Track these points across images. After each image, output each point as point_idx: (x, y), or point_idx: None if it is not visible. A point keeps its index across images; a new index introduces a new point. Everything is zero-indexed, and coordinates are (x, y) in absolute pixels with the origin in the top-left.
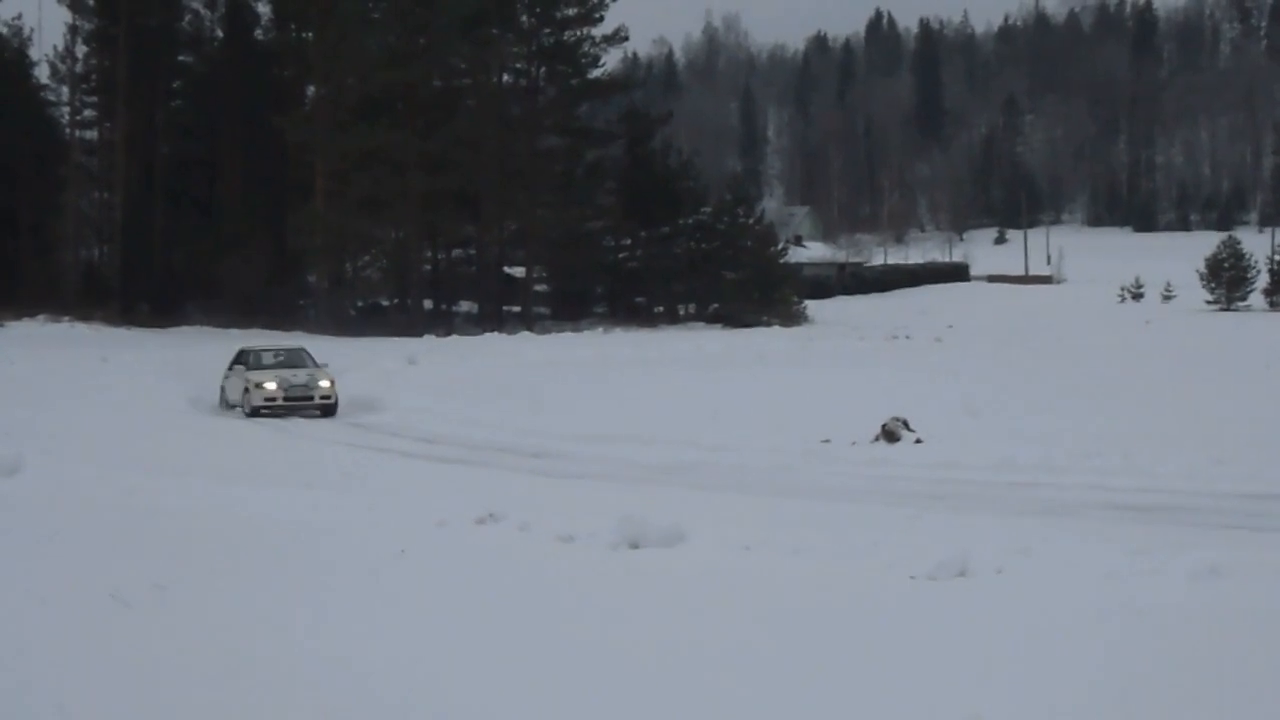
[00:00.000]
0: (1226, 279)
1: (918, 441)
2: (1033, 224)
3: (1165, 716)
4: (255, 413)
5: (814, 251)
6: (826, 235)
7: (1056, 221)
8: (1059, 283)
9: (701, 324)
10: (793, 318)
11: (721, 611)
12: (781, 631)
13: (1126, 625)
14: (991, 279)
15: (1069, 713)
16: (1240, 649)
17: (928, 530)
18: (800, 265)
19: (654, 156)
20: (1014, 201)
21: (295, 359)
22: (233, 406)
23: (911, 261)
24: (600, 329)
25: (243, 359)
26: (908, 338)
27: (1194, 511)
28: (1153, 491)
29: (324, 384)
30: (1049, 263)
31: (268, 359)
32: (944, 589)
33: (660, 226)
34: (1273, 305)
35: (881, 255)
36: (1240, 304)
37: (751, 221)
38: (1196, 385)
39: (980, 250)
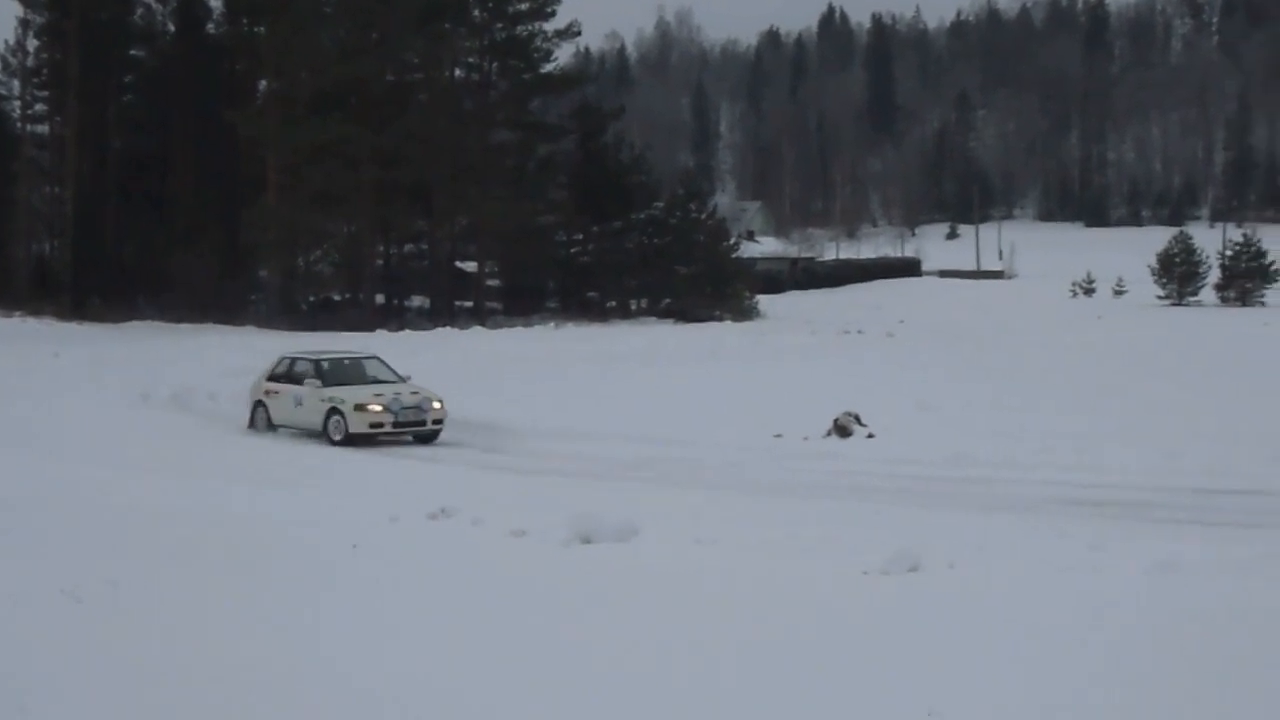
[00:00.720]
0: (1178, 274)
1: (870, 436)
2: (985, 219)
3: (1118, 708)
4: (351, 441)
5: (766, 246)
6: (779, 230)
7: (1008, 217)
8: (1011, 278)
9: (654, 319)
10: (745, 313)
11: (673, 607)
12: (734, 627)
13: (1080, 619)
14: (943, 274)
15: (1023, 707)
16: (1193, 642)
17: (880, 525)
18: (752, 260)
19: (606, 151)
20: (966, 197)
21: (373, 370)
22: (275, 427)
23: (864, 256)
24: (552, 324)
25: (301, 369)
26: (860, 333)
27: (1148, 506)
28: (1107, 487)
29: (436, 405)
30: (1001, 258)
31: (342, 370)
32: (897, 584)
33: (612, 221)
34: (1224, 300)
35: (834, 250)
36: (1192, 299)
37: (704, 216)
38: (1149, 381)
39: (932, 245)
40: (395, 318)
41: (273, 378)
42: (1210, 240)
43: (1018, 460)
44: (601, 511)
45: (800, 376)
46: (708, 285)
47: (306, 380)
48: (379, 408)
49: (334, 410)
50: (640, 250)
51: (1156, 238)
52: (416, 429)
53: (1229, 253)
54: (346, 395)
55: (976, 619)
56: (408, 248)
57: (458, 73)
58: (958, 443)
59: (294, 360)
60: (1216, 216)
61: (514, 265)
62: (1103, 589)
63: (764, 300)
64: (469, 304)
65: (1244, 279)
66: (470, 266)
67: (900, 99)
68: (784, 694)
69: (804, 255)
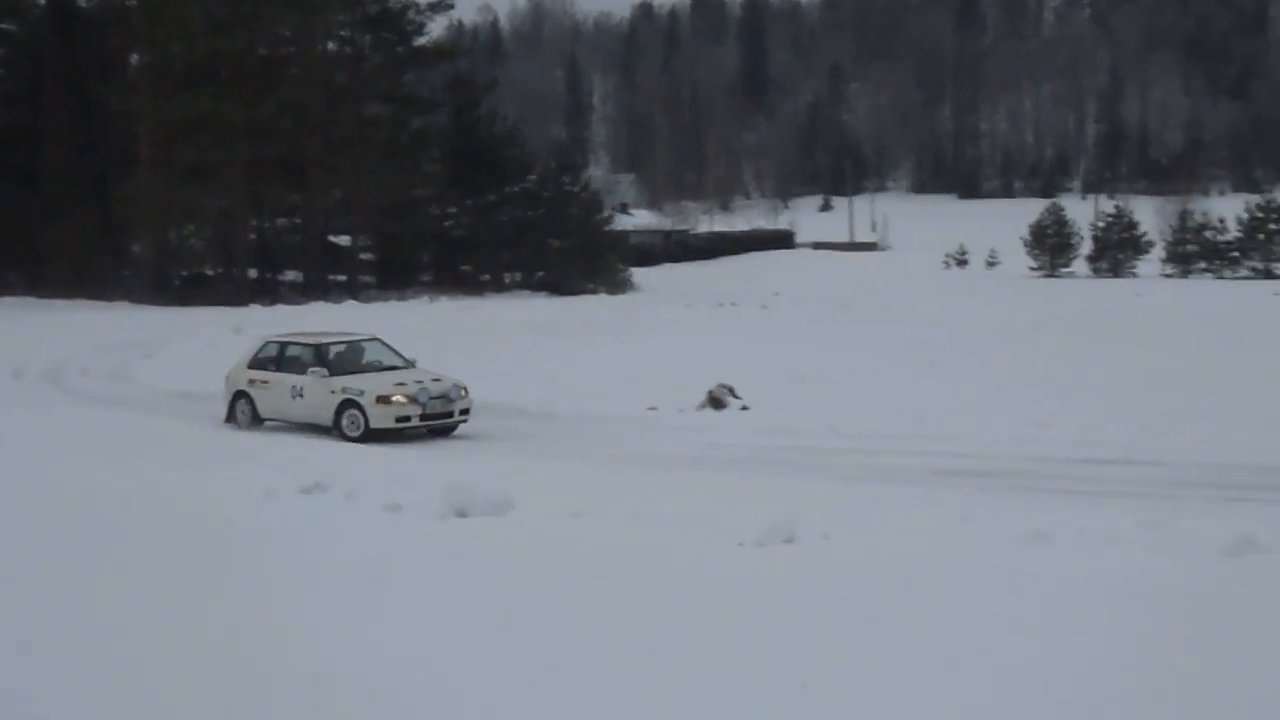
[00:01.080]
0: (1050, 246)
1: (744, 408)
2: (858, 191)
3: (989, 676)
4: (370, 437)
5: (640, 219)
6: (652, 203)
7: (882, 189)
8: (884, 249)
9: (528, 292)
10: (619, 285)
11: (550, 579)
12: (608, 600)
13: (953, 590)
14: (817, 246)
15: (894, 678)
16: (1064, 609)
17: (755, 497)
18: (626, 233)
19: (479, 124)
20: (839, 169)
21: (376, 353)
22: (262, 421)
23: (738, 229)
24: (426, 298)
25: (297, 355)
26: (734, 305)
27: (1022, 476)
28: (980, 457)
29: (464, 392)
30: (874, 230)
31: (348, 355)
32: (772, 556)
33: (486, 194)
34: (1096, 272)
35: (708, 223)
36: (1064, 270)
37: (577, 189)
38: (1020, 351)
39: (806, 217)
40: (268, 292)
41: (257, 364)
42: (1082, 212)
43: (891, 431)
44: (477, 484)
45: (675, 349)
46: (581, 258)
47: (310, 369)
48: (404, 399)
49: (349, 403)
50: (514, 223)
51: (1029, 209)
52: (444, 421)
53: (1101, 224)
54: (364, 385)
55: (851, 590)
56: (281, 222)
57: (330, 46)
58: (832, 414)
59: (284, 345)
60: (1088, 188)
61: (387, 239)
62: (975, 559)
63: (638, 273)
64: (342, 278)
65: (1116, 250)
66: (344, 240)
67: (773, 71)
68: (658, 668)
69: (678, 228)
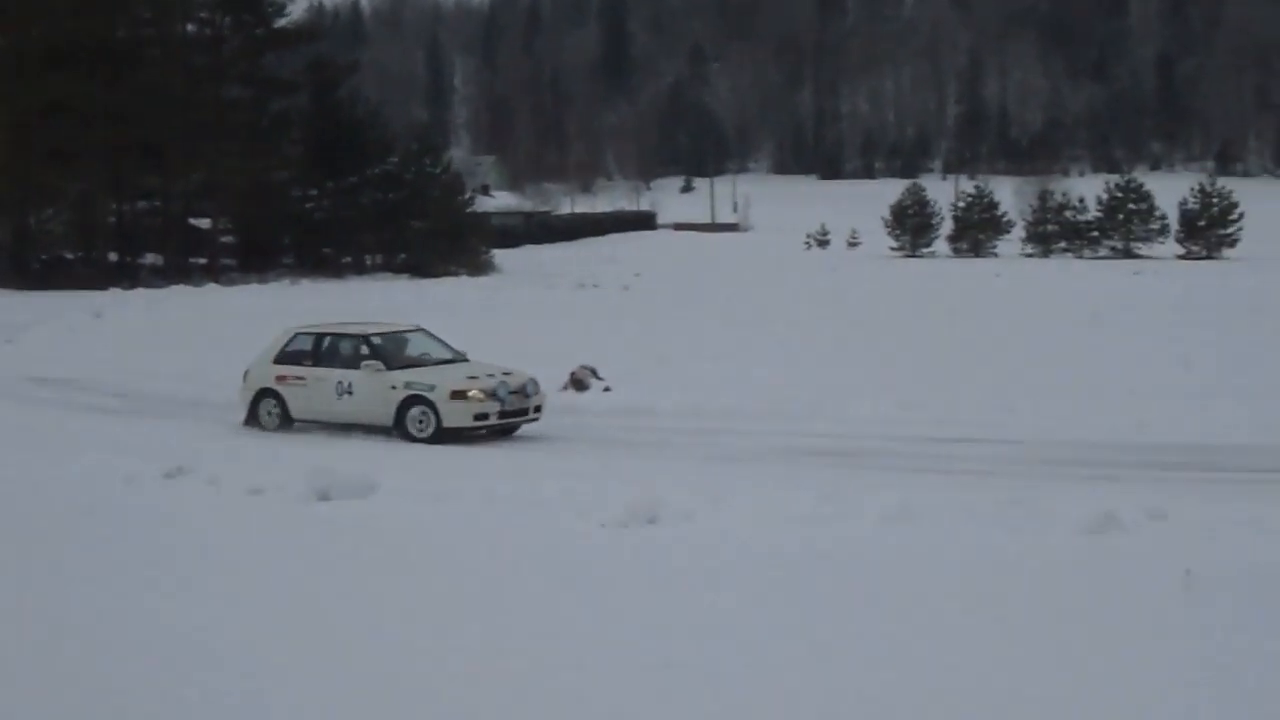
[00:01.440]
0: (911, 226)
1: (606, 389)
2: (719, 172)
3: (852, 653)
4: (441, 437)
5: (501, 201)
6: (514, 184)
7: (743, 170)
8: (745, 230)
9: (389, 274)
10: (481, 267)
11: (414, 562)
12: (471, 583)
13: (815, 569)
14: (678, 227)
15: (758, 656)
16: (924, 585)
17: (617, 478)
18: (488, 214)
19: (340, 106)
20: (701, 150)
21: (424, 345)
22: (292, 422)
23: (600, 210)
24: (287, 280)
25: (338, 348)
26: (596, 286)
27: (884, 455)
28: (843, 437)
29: (539, 388)
30: (735, 211)
31: (400, 348)
32: (635, 536)
33: (347, 177)
34: (957, 252)
35: (569, 204)
36: (925, 250)
37: (438, 171)
38: (882, 331)
39: (667, 199)
40: (128, 276)
41: (286, 359)
42: (943, 192)
43: (753, 411)
44: (339, 467)
45: (537, 330)
46: (443, 240)
47: (364, 363)
48: (481, 394)
49: (415, 400)
50: (375, 206)
51: (890, 190)
52: (520, 420)
53: (961, 204)
54: (434, 379)
55: (714, 570)
56: (141, 205)
57: (190, 28)
58: (695, 394)
59: (321, 336)
60: (949, 169)
61: (248, 222)
62: (838, 538)
63: (500, 254)
64: (203, 261)
65: (976, 230)
66: (204, 223)
67: (634, 52)
68: (521, 653)
69: (539, 209)
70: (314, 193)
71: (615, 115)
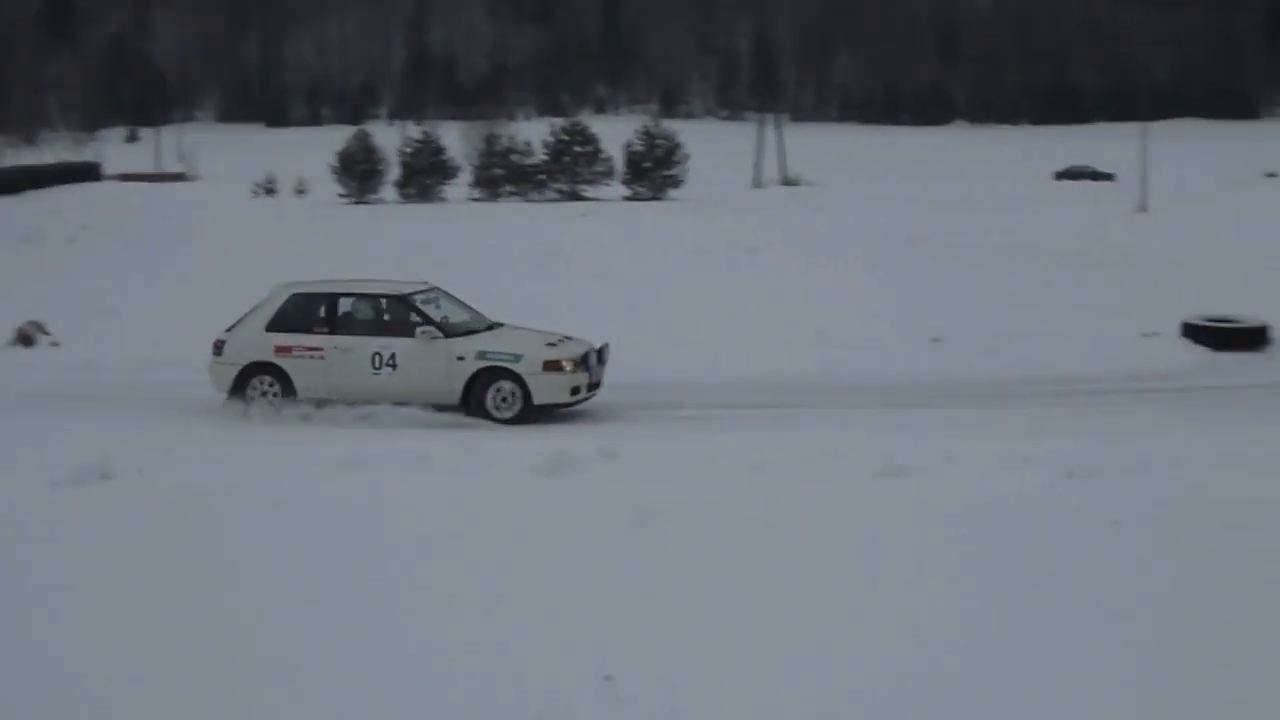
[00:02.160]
0: (359, 173)
1: (54, 344)
2: (165, 122)
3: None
4: (527, 416)
5: None
6: None
7: (190, 119)
8: (193, 180)
9: None
10: None
11: None
12: None
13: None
14: (124, 178)
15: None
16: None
17: (65, 435)
18: None
19: None
20: (145, 100)
21: (457, 309)
22: (292, 401)
23: (44, 163)
24: None
25: (373, 312)
26: (42, 241)
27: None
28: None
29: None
30: (180, 161)
31: (442, 310)
32: (88, 493)
33: None
34: (405, 198)
35: (12, 157)
36: (373, 197)
37: None
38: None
39: (113, 149)
40: None
41: (282, 325)
42: (390, 138)
43: (200, 362)
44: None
45: None
46: None
47: (419, 329)
48: (569, 364)
49: (493, 373)
50: None
51: (338, 137)
52: (592, 396)
53: (409, 150)
54: (515, 348)
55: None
56: None
57: None
58: (146, 347)
59: (335, 297)
60: (396, 115)
61: None
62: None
63: None
64: None
65: (424, 176)
66: None
67: (79, 0)
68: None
69: None
70: None
71: (60, 65)
